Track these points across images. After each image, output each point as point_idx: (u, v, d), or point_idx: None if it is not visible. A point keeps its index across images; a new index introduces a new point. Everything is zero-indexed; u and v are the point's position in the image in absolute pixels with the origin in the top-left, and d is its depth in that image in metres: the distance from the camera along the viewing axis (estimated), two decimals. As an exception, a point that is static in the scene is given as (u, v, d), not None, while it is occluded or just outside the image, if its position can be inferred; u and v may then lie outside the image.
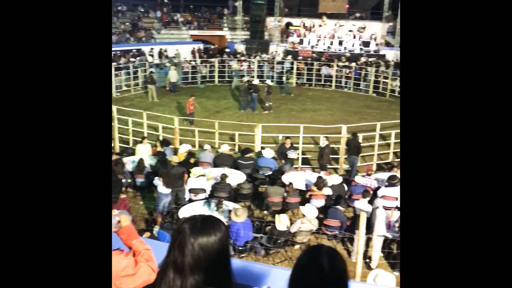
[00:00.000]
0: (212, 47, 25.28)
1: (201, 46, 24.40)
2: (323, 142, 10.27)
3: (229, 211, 7.30)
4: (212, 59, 22.11)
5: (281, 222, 6.88)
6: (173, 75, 19.26)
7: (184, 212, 7.36)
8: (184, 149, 10.00)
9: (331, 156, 11.12)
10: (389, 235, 7.17)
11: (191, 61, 22.07)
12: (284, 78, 20.25)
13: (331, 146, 10.78)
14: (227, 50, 24.12)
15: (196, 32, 26.37)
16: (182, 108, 16.67)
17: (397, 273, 6.90)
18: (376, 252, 7.12)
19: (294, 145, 10.51)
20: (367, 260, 7.19)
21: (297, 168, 10.42)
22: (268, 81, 17.62)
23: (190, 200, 8.25)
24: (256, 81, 17.42)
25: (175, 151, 10.55)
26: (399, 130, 11.90)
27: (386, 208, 7.66)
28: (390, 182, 8.32)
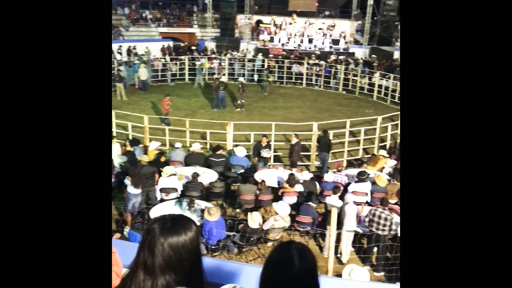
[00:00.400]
0: (182, 44, 25.03)
1: (171, 43, 24.12)
2: (292, 140, 10.35)
3: (201, 210, 7.26)
4: (182, 57, 21.89)
5: (254, 219, 6.89)
6: (143, 73, 18.97)
7: (155, 212, 7.26)
8: (153, 146, 9.88)
9: (302, 153, 11.23)
10: (360, 230, 7.30)
11: (160, 58, 21.80)
12: (264, 76, 20.18)
13: (302, 143, 10.87)
14: (193, 47, 23.92)
15: (165, 30, 26.05)
16: (152, 106, 16.46)
17: (368, 267, 7.05)
18: (345, 246, 7.24)
19: (269, 143, 10.55)
20: (339, 255, 7.31)
21: (269, 165, 10.46)
22: (241, 79, 17.61)
23: (162, 200, 8.15)
24: (223, 78, 17.39)
25: (145, 150, 10.41)
26: (368, 127, 12.19)
27: (356, 204, 7.79)
28: (360, 177, 8.47)
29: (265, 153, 10.07)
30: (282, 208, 7.13)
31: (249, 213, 7.17)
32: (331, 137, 11.02)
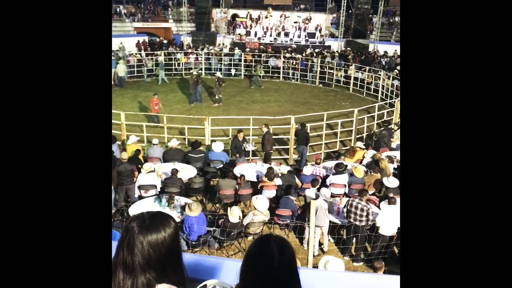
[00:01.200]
0: (158, 40, 24.74)
1: (146, 38, 23.81)
2: (262, 129, 10.41)
3: (181, 206, 7.25)
4: (158, 52, 21.64)
5: (233, 214, 6.92)
6: (121, 69, 18.70)
7: (135, 209, 7.21)
8: (132, 140, 9.81)
9: (281, 146, 11.30)
10: (338, 221, 7.42)
11: (136, 54, 21.52)
12: (255, 71, 20.19)
13: (280, 137, 10.93)
14: (165, 41, 23.70)
15: (140, 25, 25.68)
16: (128, 102, 16.24)
17: (347, 258, 7.18)
18: (313, 238, 7.29)
19: (246, 137, 10.58)
20: (322, 247, 7.42)
21: (248, 160, 10.49)
22: (218, 73, 17.53)
23: (140, 197, 8.09)
24: (199, 73, 17.36)
25: (123, 147, 10.32)
26: (345, 119, 12.34)
27: (334, 195, 7.91)
28: (337, 169, 8.59)
29: (249, 147, 10.12)
30: (261, 204, 7.17)
31: (228, 208, 7.20)
32: (308, 130, 11.12)
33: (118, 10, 25.97)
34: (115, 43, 21.75)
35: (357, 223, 6.97)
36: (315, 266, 6.48)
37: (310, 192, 7.69)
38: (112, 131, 11.48)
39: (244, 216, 7.23)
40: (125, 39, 22.52)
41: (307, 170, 8.75)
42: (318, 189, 7.78)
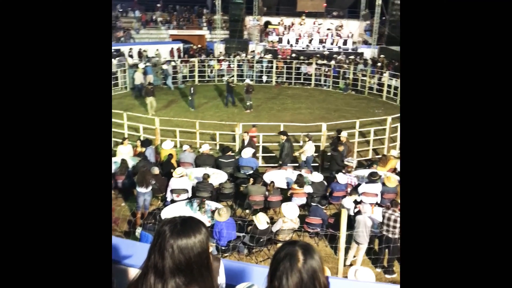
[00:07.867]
0: (194, 47, 25.16)
1: (181, 45, 24.29)
2: (282, 138, 10.37)
3: (212, 211, 7.31)
4: (192, 59, 22.01)
5: (260, 221, 6.91)
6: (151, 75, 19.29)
7: (167, 213, 7.34)
8: (168, 146, 9.99)
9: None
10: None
11: (171, 61, 21.96)
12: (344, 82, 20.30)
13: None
14: (200, 46, 24.23)
15: (175, 32, 26.23)
16: (162, 108, 16.51)
17: (379, 270, 7.03)
18: (353, 252, 7.16)
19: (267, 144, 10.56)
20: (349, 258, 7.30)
21: (278, 166, 10.48)
22: (248, 80, 17.64)
23: (173, 201, 8.23)
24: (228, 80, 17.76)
25: (156, 151, 10.54)
26: (378, 127, 12.10)
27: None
28: (371, 178, 8.44)
29: (351, 162, 10.06)
30: (290, 211, 7.13)
31: (255, 215, 7.20)
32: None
33: (154, 18, 26.61)
34: (151, 50, 22.29)
35: (390, 235, 6.80)
36: (346, 276, 6.39)
37: (345, 201, 7.58)
38: (146, 135, 11.75)
39: (273, 223, 7.21)
40: (161, 46, 23.06)
41: (341, 178, 8.61)
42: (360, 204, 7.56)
